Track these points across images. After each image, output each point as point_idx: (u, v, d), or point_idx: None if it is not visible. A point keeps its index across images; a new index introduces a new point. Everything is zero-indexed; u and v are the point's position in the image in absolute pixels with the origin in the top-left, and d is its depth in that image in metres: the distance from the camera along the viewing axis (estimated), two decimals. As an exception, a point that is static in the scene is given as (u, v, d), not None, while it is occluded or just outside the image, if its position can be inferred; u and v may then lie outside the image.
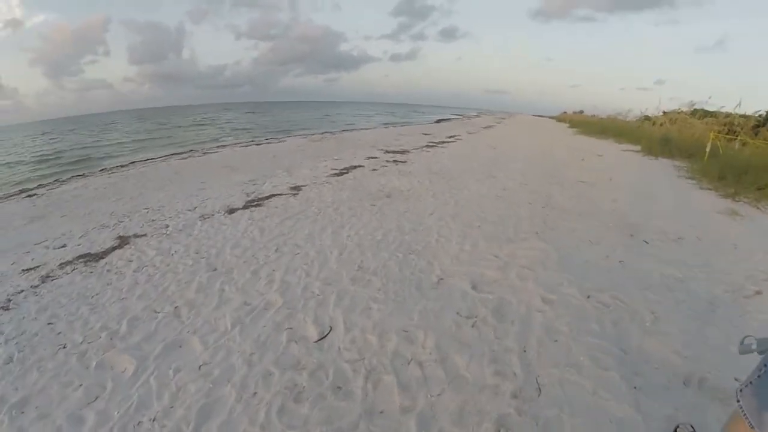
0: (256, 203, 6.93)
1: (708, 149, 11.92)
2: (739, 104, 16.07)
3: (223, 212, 6.44)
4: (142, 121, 47.13)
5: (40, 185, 11.50)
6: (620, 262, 4.49)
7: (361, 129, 28.29)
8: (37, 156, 20.34)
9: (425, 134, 22.03)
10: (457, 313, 3.42)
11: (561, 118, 58.78)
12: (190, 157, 14.50)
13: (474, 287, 3.86)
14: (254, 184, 8.50)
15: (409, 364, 2.79)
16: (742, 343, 1.24)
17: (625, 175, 10.14)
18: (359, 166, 10.59)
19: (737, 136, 14.17)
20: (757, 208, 6.92)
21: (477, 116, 68.13)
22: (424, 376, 2.67)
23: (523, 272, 4.17)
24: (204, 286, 3.98)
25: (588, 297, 3.67)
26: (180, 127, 35.99)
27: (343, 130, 27.07)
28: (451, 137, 20.37)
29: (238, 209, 6.58)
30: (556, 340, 3.04)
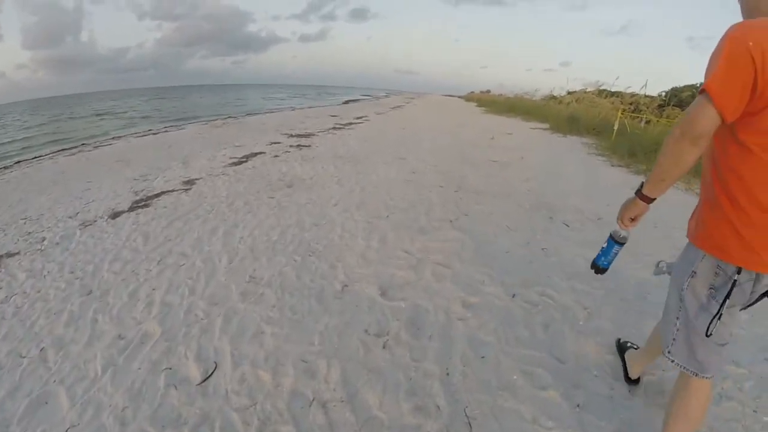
0: (143, 203, 6.05)
1: (616, 127, 12.13)
2: (645, 85, 16.61)
3: (106, 217, 5.55)
4: (34, 114, 43.24)
5: None
6: (542, 249, 4.14)
7: (267, 113, 26.97)
8: None
9: (332, 116, 21.29)
10: (365, 330, 2.85)
11: (469, 98, 59.96)
12: (80, 152, 12.91)
13: (383, 294, 3.31)
14: (145, 180, 7.54)
15: (310, 406, 2.21)
16: (657, 266, 1.72)
17: (536, 153, 10.02)
18: (260, 153, 9.78)
19: (643, 114, 14.58)
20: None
21: (386, 97, 68.23)
22: (329, 423, 2.11)
23: (439, 270, 3.67)
24: (75, 317, 3.21)
25: (513, 296, 3.24)
26: (74, 118, 33.01)
27: (248, 114, 25.77)
28: (359, 118, 19.78)
29: (123, 212, 5.70)
30: (483, 357, 2.56)
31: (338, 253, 4.07)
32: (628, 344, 2.53)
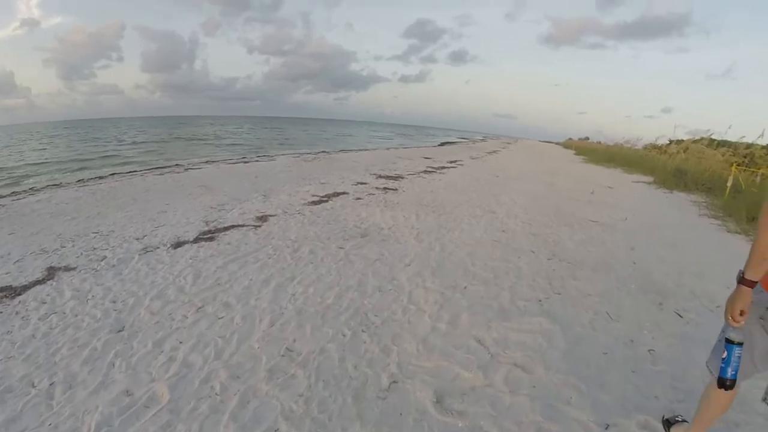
0: (209, 236, 5.91)
1: (729, 183, 10.82)
2: (762, 135, 14.87)
3: (169, 245, 5.48)
4: (145, 132, 47.00)
5: (14, 192, 10.61)
6: (649, 351, 3.27)
7: (361, 150, 27.19)
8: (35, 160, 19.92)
9: (426, 158, 20.92)
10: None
11: (567, 145, 58.24)
12: (170, 172, 13.51)
13: (439, 401, 2.61)
14: (221, 210, 7.49)
15: None
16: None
17: (641, 213, 8.95)
18: (343, 193, 9.49)
19: (759, 168, 12.98)
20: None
21: (483, 140, 67.63)
22: None
23: (515, 374, 2.91)
24: (96, 355, 2.99)
25: (606, 429, 2.44)
26: (180, 138, 35.23)
27: (342, 150, 26.06)
28: (452, 162, 19.21)
29: (186, 242, 5.60)
30: None
31: (397, 331, 3.44)
32: (677, 418, 2.39)
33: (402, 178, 12.49)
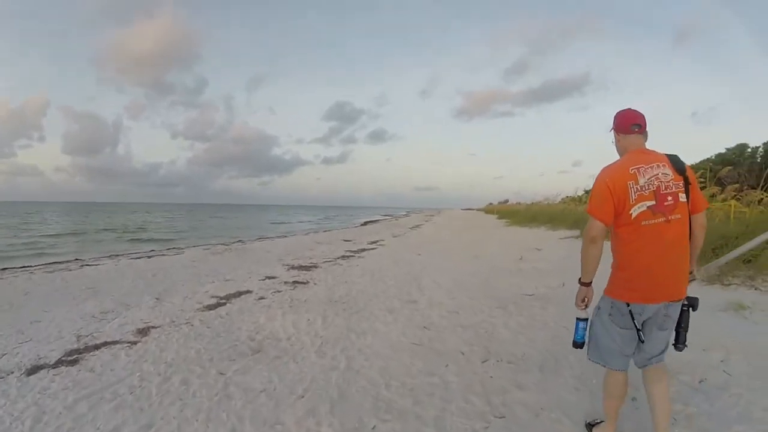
0: (74, 357, 4.80)
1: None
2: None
3: (23, 370, 4.44)
4: (62, 216, 44.90)
5: None
6: None
7: (279, 237, 25.70)
8: None
9: (346, 240, 19.84)
10: None
11: (488, 210, 59.45)
12: (64, 269, 11.86)
13: None
14: (101, 320, 6.29)
15: None
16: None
17: (576, 273, 8.01)
18: (246, 292, 8.13)
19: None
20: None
21: (406, 215, 68.15)
22: None
23: None
24: None
25: None
26: (89, 229, 33.22)
27: (260, 238, 24.57)
28: (373, 243, 18.22)
29: (45, 366, 4.54)
30: None
31: None
32: (596, 420, 2.98)
33: (316, 267, 11.25)
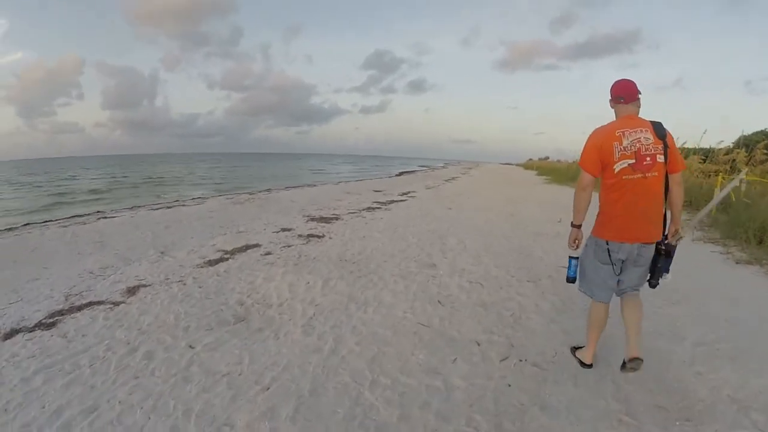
0: (53, 320, 4.37)
1: (717, 197, 9.03)
2: (741, 138, 13.23)
3: (2, 333, 4.07)
4: (99, 170, 45.28)
5: None
6: None
7: (308, 186, 24.97)
8: None
9: (376, 191, 18.98)
10: None
11: (528, 166, 57.76)
12: (82, 223, 11.53)
13: None
14: (97, 276, 5.92)
15: None
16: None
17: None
18: (255, 245, 7.46)
19: (747, 176, 11.25)
20: None
21: (443, 167, 66.78)
22: None
23: None
24: None
25: None
26: (126, 182, 33.15)
27: (289, 187, 23.89)
28: (404, 194, 17.28)
29: (23, 329, 4.14)
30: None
31: None
32: (579, 345, 3.50)
33: (337, 219, 10.47)
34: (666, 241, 2.93)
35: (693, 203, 10.38)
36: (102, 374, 3.24)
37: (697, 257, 6.53)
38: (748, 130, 15.65)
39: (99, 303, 4.78)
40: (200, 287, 5.25)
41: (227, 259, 6.56)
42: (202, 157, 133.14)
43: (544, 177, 31.63)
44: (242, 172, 48.02)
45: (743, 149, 12.81)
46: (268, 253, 6.88)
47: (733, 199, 8.84)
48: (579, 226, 3.02)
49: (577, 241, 3.04)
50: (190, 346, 3.65)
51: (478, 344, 3.62)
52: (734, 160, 12.87)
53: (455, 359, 3.37)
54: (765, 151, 12.26)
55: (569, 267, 3.15)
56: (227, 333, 3.92)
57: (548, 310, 4.41)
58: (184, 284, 5.38)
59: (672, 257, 2.93)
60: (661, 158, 2.73)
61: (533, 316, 4.23)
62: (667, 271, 2.98)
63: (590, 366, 3.19)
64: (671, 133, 2.85)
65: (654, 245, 2.90)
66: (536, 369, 3.23)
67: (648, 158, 2.71)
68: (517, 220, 10.36)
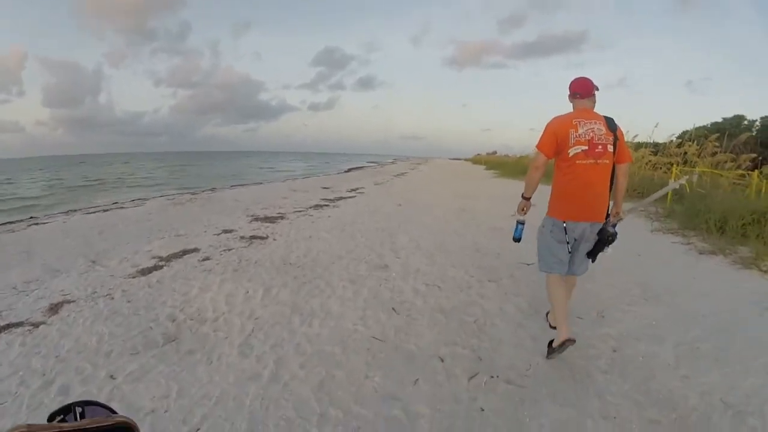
0: None
1: (672, 188, 9.14)
2: (693, 131, 13.47)
3: None
4: (40, 171, 42.69)
5: None
6: None
7: (254, 184, 24.07)
8: None
9: (324, 188, 18.35)
10: None
11: (476, 160, 58.44)
12: (10, 230, 10.29)
13: None
14: (20, 292, 5.17)
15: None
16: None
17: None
18: (193, 250, 6.82)
19: (694, 167, 11.47)
20: None
21: (392, 163, 66.73)
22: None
23: None
24: None
25: None
26: (65, 184, 31.01)
27: (234, 185, 22.99)
28: (352, 191, 16.78)
29: None
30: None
31: None
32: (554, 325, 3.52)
33: (282, 218, 9.86)
34: (607, 221, 3.17)
35: (644, 194, 10.40)
36: (11, 417, 2.70)
37: (659, 249, 6.38)
38: (689, 125, 16.12)
39: (18, 325, 4.18)
40: (129, 302, 4.65)
41: (162, 267, 5.94)
42: (147, 157, 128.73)
43: (493, 171, 31.80)
44: (188, 171, 46.26)
45: (694, 142, 12.99)
46: (206, 259, 6.27)
47: (688, 191, 8.85)
48: (529, 199, 3.36)
49: (524, 209, 3.39)
50: (111, 377, 3.09)
51: (442, 360, 3.18)
52: (686, 152, 13.06)
53: (416, 380, 2.90)
54: (716, 144, 12.51)
55: (516, 230, 3.42)
56: (154, 358, 3.35)
57: (513, 313, 4.03)
58: (112, 299, 4.76)
59: (610, 240, 3.16)
60: (611, 148, 3.01)
61: (498, 322, 3.83)
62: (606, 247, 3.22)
63: (573, 341, 3.09)
64: (621, 128, 3.17)
65: (601, 224, 3.13)
66: (511, 387, 2.82)
67: (600, 146, 2.98)
68: (470, 215, 10.05)
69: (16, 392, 2.96)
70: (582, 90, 3.14)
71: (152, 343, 3.60)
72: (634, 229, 7.77)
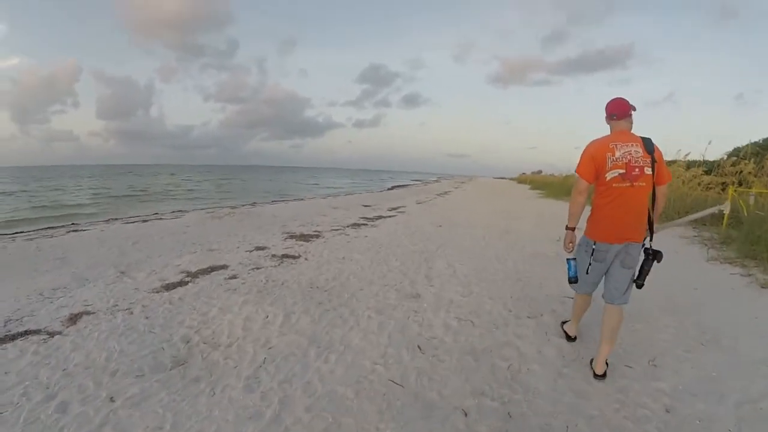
0: None
1: (727, 210, 8.61)
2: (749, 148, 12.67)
3: None
4: (90, 179, 44.38)
5: None
6: None
7: (297, 200, 24.16)
8: None
9: (365, 206, 18.14)
10: None
11: (521, 180, 57.64)
12: (49, 236, 10.45)
13: None
14: (47, 298, 5.20)
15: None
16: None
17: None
18: (222, 267, 6.65)
19: (751, 187, 10.71)
20: None
21: (436, 181, 66.42)
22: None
23: None
24: None
25: None
26: (113, 192, 31.98)
27: (274, 201, 23.09)
28: (393, 209, 16.47)
29: None
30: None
31: None
32: (566, 320, 4.12)
33: (318, 236, 9.63)
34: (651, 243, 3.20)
35: (699, 219, 9.77)
36: (7, 429, 2.66)
37: (716, 281, 5.81)
38: (742, 141, 15.19)
39: (36, 332, 4.17)
40: (147, 318, 4.49)
41: (187, 283, 5.77)
42: (194, 169, 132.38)
43: (538, 191, 31.05)
44: (232, 185, 47.16)
45: (751, 160, 12.12)
46: (233, 277, 6.07)
47: (745, 213, 8.22)
48: (573, 229, 3.33)
49: (571, 244, 3.34)
50: (111, 399, 2.95)
51: (465, 414, 2.78)
52: (741, 171, 12.22)
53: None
54: None
55: (569, 269, 3.38)
56: (158, 383, 3.16)
57: (554, 358, 3.58)
58: (131, 313, 4.62)
59: (656, 260, 3.13)
60: (648, 170, 3.02)
61: (536, 368, 3.40)
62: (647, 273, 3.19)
63: (574, 339, 3.80)
64: (660, 148, 3.14)
65: (640, 245, 3.16)
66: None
67: (636, 169, 3.00)
68: (513, 238, 9.56)
69: (18, 403, 2.92)
70: (618, 111, 3.17)
71: (160, 366, 3.43)
72: (689, 258, 7.19)
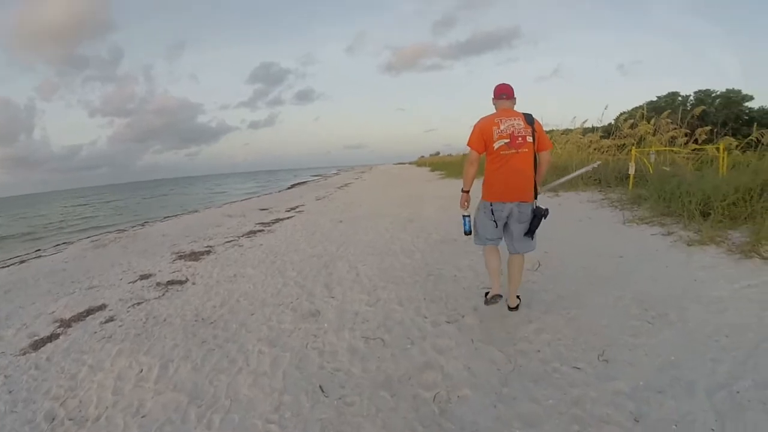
0: None
1: (632, 171, 8.79)
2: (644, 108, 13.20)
3: None
4: None
5: None
6: None
7: (186, 213, 22.36)
8: None
9: (261, 209, 17.21)
10: None
11: (420, 163, 58.41)
12: None
13: None
14: None
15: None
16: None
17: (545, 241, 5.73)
18: (99, 308, 5.73)
19: (651, 146, 11.11)
20: None
21: (336, 174, 66.07)
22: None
23: None
24: None
25: None
26: None
27: (166, 217, 21.44)
28: (291, 209, 15.73)
29: None
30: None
31: None
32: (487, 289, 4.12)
33: (209, 253, 8.72)
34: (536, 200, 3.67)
35: (602, 181, 10.53)
36: None
37: (640, 245, 5.67)
38: (627, 107, 16.08)
39: None
40: (10, 392, 3.66)
41: (58, 336, 4.89)
42: (89, 191, 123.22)
43: (438, 172, 31.30)
44: (121, 205, 43.68)
45: (650, 121, 12.57)
46: (110, 320, 5.20)
47: (651, 171, 8.33)
48: (467, 192, 3.82)
49: (466, 203, 3.84)
50: None
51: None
52: (639, 133, 12.66)
53: None
54: (668, 120, 12.10)
55: (464, 224, 3.86)
56: None
57: (487, 374, 3.01)
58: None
59: (544, 216, 3.59)
60: (530, 139, 3.52)
61: (468, 393, 2.80)
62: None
63: (500, 296, 3.85)
64: (540, 121, 3.66)
65: (530, 205, 3.62)
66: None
67: (519, 138, 3.49)
68: (417, 226, 9.10)
69: None
70: (501, 93, 3.69)
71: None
72: (604, 222, 7.13)
